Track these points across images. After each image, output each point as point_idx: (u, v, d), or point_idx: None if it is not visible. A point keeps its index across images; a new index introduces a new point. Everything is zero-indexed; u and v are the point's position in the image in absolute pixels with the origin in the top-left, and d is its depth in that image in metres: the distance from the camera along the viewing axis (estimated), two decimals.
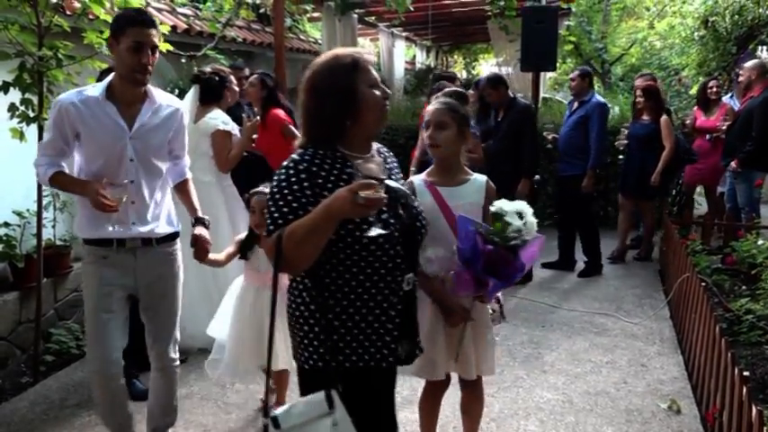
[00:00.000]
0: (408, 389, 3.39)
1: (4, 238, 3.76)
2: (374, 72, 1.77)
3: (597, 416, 3.13)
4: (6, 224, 3.79)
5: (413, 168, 4.49)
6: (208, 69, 4.03)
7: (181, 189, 2.81)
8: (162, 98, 2.54)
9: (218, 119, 3.89)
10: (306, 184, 1.65)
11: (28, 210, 3.85)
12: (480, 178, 2.50)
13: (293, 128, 4.33)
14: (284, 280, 1.90)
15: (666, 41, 11.57)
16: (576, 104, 5.55)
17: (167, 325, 2.72)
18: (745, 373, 2.44)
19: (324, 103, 1.71)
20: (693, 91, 8.13)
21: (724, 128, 5.93)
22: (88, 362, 2.74)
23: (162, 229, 2.59)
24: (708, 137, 6.11)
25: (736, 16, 7.64)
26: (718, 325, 2.99)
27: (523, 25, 6.77)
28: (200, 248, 2.67)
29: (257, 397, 3.33)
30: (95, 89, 2.42)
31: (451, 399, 3.29)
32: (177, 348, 2.81)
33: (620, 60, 13.35)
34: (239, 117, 4.65)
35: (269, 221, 1.66)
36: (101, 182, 2.35)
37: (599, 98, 5.53)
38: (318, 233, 1.58)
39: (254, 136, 4.11)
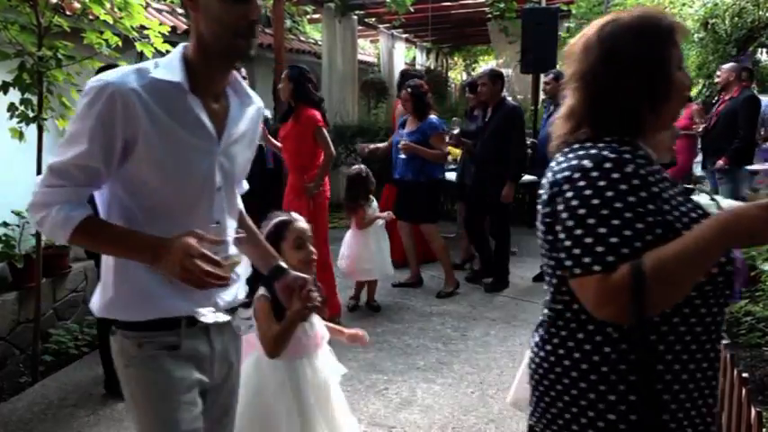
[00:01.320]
0: (407, 390, 3.40)
1: (3, 238, 3.77)
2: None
3: None
4: (5, 224, 3.79)
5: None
6: None
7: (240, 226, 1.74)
8: (245, 87, 1.60)
9: None
10: (643, 194, 1.16)
11: (27, 210, 3.85)
12: None
13: (326, 133, 4.23)
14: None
15: None
16: (552, 107, 5.48)
17: None
18: (745, 375, 2.44)
19: (626, 79, 1.23)
20: (693, 93, 8.16)
21: (699, 130, 6.04)
22: None
23: (242, 292, 1.67)
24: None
25: (736, 18, 7.66)
26: None
27: (523, 27, 6.79)
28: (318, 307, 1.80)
29: None
30: (166, 68, 1.42)
31: (451, 399, 3.29)
32: None
33: None
34: None
35: (600, 249, 1.12)
36: (194, 234, 1.36)
37: None
38: (702, 265, 1.12)
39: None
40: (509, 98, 5.39)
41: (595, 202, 1.14)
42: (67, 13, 3.67)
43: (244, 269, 1.68)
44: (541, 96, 8.47)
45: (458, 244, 5.88)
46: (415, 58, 12.86)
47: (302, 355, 2.11)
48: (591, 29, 1.31)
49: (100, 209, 1.47)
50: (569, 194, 1.17)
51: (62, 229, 1.36)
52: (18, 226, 3.86)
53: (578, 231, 1.15)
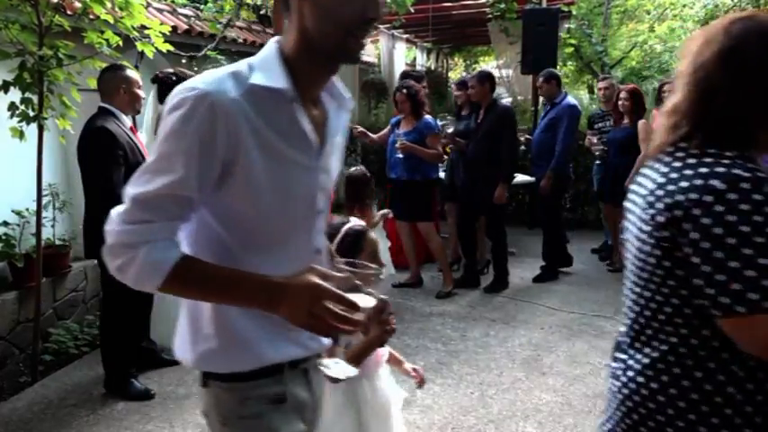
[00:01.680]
0: (408, 390, 3.39)
1: (4, 237, 3.76)
2: None
3: (596, 418, 3.13)
4: (6, 223, 3.79)
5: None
6: (169, 70, 3.96)
7: None
8: (340, 87, 1.34)
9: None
10: None
11: (27, 209, 3.85)
12: None
13: None
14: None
15: (667, 45, 11.60)
16: (548, 107, 5.52)
17: None
18: None
19: (743, 83, 1.10)
20: None
21: None
22: None
23: None
24: None
25: None
26: None
27: (524, 28, 6.80)
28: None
29: None
30: (264, 71, 1.18)
31: (450, 400, 3.29)
32: None
33: (621, 63, 13.35)
34: None
35: (759, 292, 1.01)
36: (316, 272, 1.15)
37: (570, 100, 5.40)
38: None
39: None
40: (503, 99, 5.40)
41: (745, 229, 1.01)
42: (68, 12, 3.67)
43: None
44: (541, 98, 8.49)
45: (447, 244, 5.87)
46: (415, 58, 12.85)
47: (363, 375, 1.94)
48: (718, 22, 1.17)
49: (183, 243, 1.20)
50: (706, 221, 1.04)
51: (153, 274, 1.10)
52: (18, 225, 3.86)
53: (733, 264, 1.02)
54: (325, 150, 1.27)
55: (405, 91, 4.86)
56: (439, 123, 5.15)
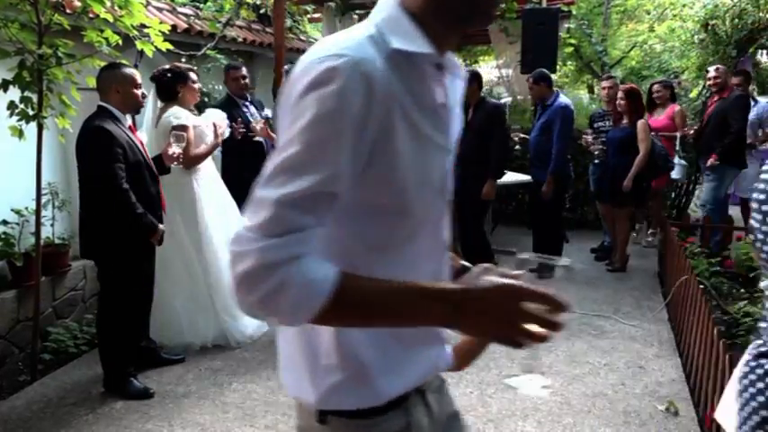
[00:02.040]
0: None
1: (3, 236, 3.76)
2: None
3: (595, 417, 3.13)
4: (5, 222, 3.79)
5: None
6: (165, 67, 3.96)
7: None
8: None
9: (170, 116, 3.80)
10: None
11: (27, 208, 3.85)
12: None
13: None
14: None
15: (666, 44, 11.59)
16: (540, 108, 5.48)
17: None
18: None
19: None
20: (693, 94, 8.14)
21: (691, 132, 6.09)
22: None
23: None
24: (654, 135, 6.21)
25: (737, 20, 7.65)
26: (716, 327, 2.99)
27: (524, 27, 6.78)
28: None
29: (254, 396, 3.32)
30: (399, 35, 0.99)
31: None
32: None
33: (621, 63, 13.35)
34: (234, 115, 4.66)
35: None
36: (493, 271, 0.98)
37: (562, 100, 5.32)
38: None
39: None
40: (503, 99, 5.38)
41: None
42: (68, 11, 3.67)
43: None
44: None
45: None
46: None
47: None
48: None
49: None
50: None
51: (312, 299, 0.88)
52: (17, 224, 3.86)
53: None
54: (452, 126, 1.09)
55: None
56: None
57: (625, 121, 5.50)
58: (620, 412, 3.18)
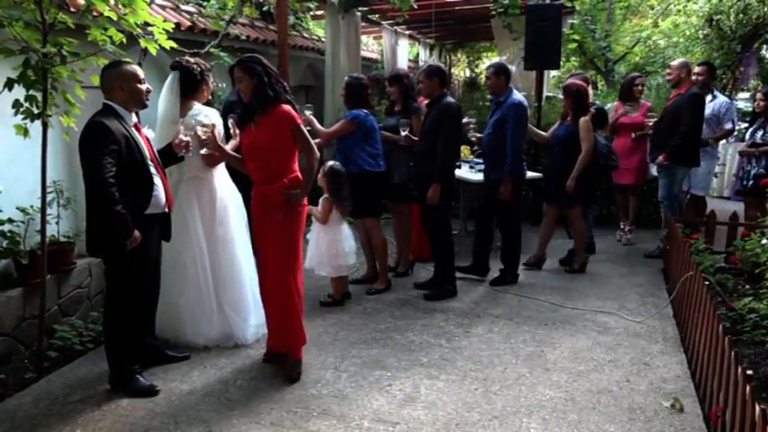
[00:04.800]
0: (411, 386, 3.40)
1: (9, 234, 3.77)
2: None
3: (600, 414, 3.13)
4: (10, 220, 3.80)
5: None
6: (190, 59, 3.94)
7: None
8: None
9: (200, 114, 3.81)
10: None
11: (32, 206, 3.86)
12: None
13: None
14: None
15: (670, 40, 11.56)
16: (494, 105, 5.19)
17: None
18: (749, 372, 2.44)
19: None
20: None
21: (650, 123, 6.06)
22: None
23: None
24: (633, 135, 6.18)
25: (741, 15, 7.63)
26: (721, 324, 2.99)
27: (527, 23, 6.78)
28: None
29: (259, 393, 3.34)
30: None
31: (454, 396, 3.30)
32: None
33: (624, 59, 13.32)
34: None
35: None
36: None
37: (515, 97, 4.97)
38: None
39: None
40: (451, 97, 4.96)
41: None
42: (72, 9, 3.67)
43: None
44: (545, 93, 8.45)
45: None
46: (418, 54, 12.83)
47: None
48: None
49: None
50: None
51: None
52: (23, 222, 3.87)
53: None
54: None
55: (346, 78, 4.91)
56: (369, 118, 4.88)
57: (568, 119, 5.33)
58: (625, 409, 3.18)
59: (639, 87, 6.31)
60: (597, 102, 6.40)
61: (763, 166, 5.64)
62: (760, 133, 5.77)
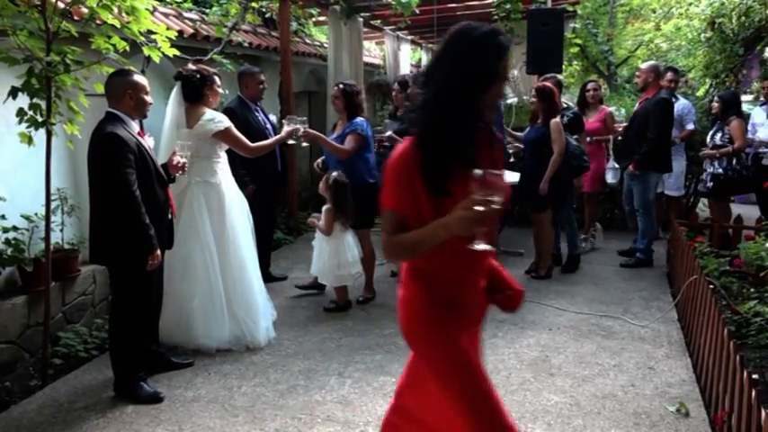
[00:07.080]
0: None
1: (13, 241, 3.79)
2: None
3: (605, 419, 3.12)
4: (15, 228, 3.81)
5: None
6: (191, 67, 3.98)
7: None
8: None
9: (214, 119, 3.87)
10: None
11: (36, 214, 3.88)
12: None
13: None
14: None
15: (673, 43, 11.54)
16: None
17: None
18: (754, 376, 2.43)
19: None
20: (700, 93, 8.11)
21: (619, 129, 6.03)
22: None
23: None
24: (588, 139, 6.04)
25: (743, 18, 7.61)
26: (726, 327, 2.98)
27: (529, 28, 6.78)
28: None
29: (263, 400, 3.33)
30: None
31: None
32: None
33: (627, 62, 13.31)
34: (247, 118, 4.69)
35: None
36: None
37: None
38: None
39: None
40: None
41: None
42: (75, 18, 3.69)
43: None
44: None
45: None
46: (420, 59, 12.86)
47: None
48: None
49: None
50: None
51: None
52: (27, 230, 3.89)
53: None
54: None
55: (341, 86, 4.79)
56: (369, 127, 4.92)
57: (539, 121, 5.27)
58: (630, 413, 3.16)
59: (591, 92, 6.21)
60: (571, 105, 6.30)
61: (723, 167, 5.70)
62: (719, 135, 5.88)
